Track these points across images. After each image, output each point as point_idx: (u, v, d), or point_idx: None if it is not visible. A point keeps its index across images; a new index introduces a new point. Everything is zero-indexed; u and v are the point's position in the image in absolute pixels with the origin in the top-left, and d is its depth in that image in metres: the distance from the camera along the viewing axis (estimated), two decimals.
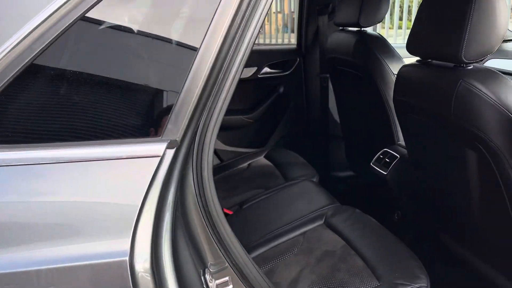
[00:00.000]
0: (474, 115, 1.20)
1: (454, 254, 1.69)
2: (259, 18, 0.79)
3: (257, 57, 2.49)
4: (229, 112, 2.52)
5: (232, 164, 2.37)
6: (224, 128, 2.52)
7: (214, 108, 0.78)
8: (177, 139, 0.71)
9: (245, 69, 2.46)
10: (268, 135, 2.63)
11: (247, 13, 0.78)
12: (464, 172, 1.37)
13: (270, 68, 2.52)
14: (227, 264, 0.85)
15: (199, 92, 0.74)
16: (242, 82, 2.58)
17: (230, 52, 0.78)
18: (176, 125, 0.71)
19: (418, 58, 1.46)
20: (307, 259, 1.47)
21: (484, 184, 1.33)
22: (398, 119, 1.63)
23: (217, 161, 2.53)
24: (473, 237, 1.53)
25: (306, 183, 1.96)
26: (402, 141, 1.93)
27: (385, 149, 1.93)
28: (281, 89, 2.54)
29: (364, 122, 2.20)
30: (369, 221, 1.58)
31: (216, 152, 2.53)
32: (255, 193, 2.00)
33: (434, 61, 1.39)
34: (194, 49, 0.75)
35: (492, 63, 2.45)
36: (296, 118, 2.62)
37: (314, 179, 2.03)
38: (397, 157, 1.85)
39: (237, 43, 0.78)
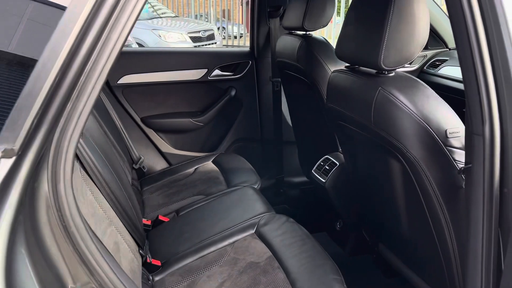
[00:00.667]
0: (391, 125, 1.16)
1: (390, 264, 1.65)
2: (128, 19, 0.73)
3: (207, 58, 2.44)
4: (178, 115, 2.49)
5: (179, 168, 2.31)
6: (173, 131, 2.46)
7: (73, 114, 0.71)
8: (13, 148, 0.64)
9: (194, 71, 2.43)
10: (219, 140, 2.57)
11: (115, 11, 0.72)
12: (390, 182, 1.33)
13: (222, 70, 2.46)
14: (92, 285, 0.78)
15: (46, 96, 0.67)
16: (191, 85, 2.58)
17: (93, 55, 0.72)
18: (14, 132, 0.64)
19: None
20: (230, 270, 1.41)
21: (407, 195, 1.29)
22: (330, 126, 1.59)
23: (165, 165, 2.46)
24: (404, 247, 1.49)
25: (246, 189, 1.90)
26: None
27: (326, 156, 1.89)
28: (233, 92, 2.49)
29: (311, 127, 2.15)
30: (299, 230, 1.53)
31: (164, 156, 2.46)
32: (195, 200, 1.94)
33: (361, 68, 1.35)
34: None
35: (446, 71, 2.44)
36: (249, 122, 2.57)
37: (256, 186, 1.97)
38: (337, 164, 1.81)
39: (101, 46, 0.72)
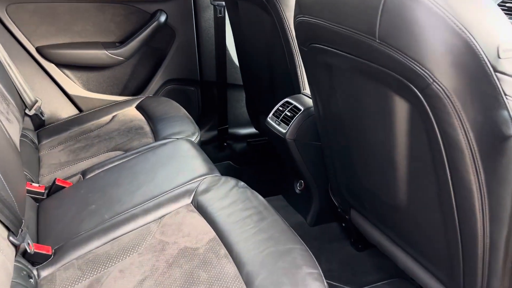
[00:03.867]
0: (410, 37, 0.73)
1: (367, 236, 1.28)
2: None
3: None
4: (89, 45, 1.86)
5: (90, 116, 1.76)
6: (83, 67, 1.87)
7: None
8: None
9: None
10: (145, 80, 2.02)
11: None
12: (389, 130, 0.91)
13: None
14: None
15: None
16: (107, 5, 1.94)
17: None
18: None
19: None
20: (154, 261, 0.95)
21: (417, 148, 0.89)
22: (300, 51, 1.12)
23: (74, 112, 1.89)
24: (394, 221, 1.11)
25: (180, 143, 1.42)
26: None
27: (286, 99, 1.44)
28: (163, 18, 1.92)
29: (265, 64, 1.68)
30: (254, 200, 1.09)
31: (72, 100, 1.88)
32: (110, 157, 1.43)
33: None
34: None
35: None
36: (184, 59, 2.04)
37: (194, 139, 1.49)
38: (301, 109, 1.36)
39: None
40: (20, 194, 1.03)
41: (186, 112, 1.71)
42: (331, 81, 1.07)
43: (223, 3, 1.85)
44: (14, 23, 1.72)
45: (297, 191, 1.60)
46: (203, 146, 1.84)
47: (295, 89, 1.49)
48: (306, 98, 1.42)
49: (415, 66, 0.73)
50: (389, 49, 0.76)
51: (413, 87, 0.77)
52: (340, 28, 0.87)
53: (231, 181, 1.16)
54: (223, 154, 2.19)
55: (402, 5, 0.72)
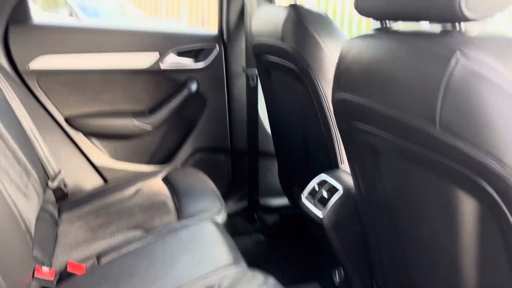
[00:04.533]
0: (480, 125, 0.59)
1: None
2: None
3: (160, 39, 1.82)
4: (117, 114, 1.80)
5: (115, 188, 1.67)
6: (110, 136, 1.82)
7: None
8: None
9: (141, 54, 1.68)
10: (173, 149, 1.94)
11: None
12: (453, 228, 0.75)
13: (179, 56, 1.85)
14: None
15: None
16: (136, 74, 1.90)
17: None
18: None
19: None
20: None
21: (486, 249, 0.71)
22: (339, 129, 1.00)
23: (99, 182, 1.82)
24: None
25: (204, 226, 1.29)
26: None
27: (322, 177, 1.29)
28: (194, 87, 1.87)
29: (299, 133, 1.57)
30: None
31: (98, 170, 1.82)
32: (126, 239, 1.31)
33: (410, 24, 0.77)
34: None
35: None
36: (214, 127, 1.96)
37: (219, 218, 1.36)
38: (339, 190, 1.21)
39: None
40: (21, 284, 0.91)
41: (214, 185, 1.59)
42: (375, 163, 0.92)
43: (256, 71, 1.79)
44: (44, 93, 1.70)
45: (336, 281, 1.41)
46: (233, 218, 1.70)
47: (332, 163, 1.35)
48: (345, 175, 1.27)
49: (489, 161, 0.58)
50: (454, 139, 0.62)
51: (487, 186, 0.61)
52: (388, 110, 0.74)
53: (259, 277, 1.00)
54: (253, 227, 2.04)
55: (468, 87, 0.59)
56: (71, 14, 7.14)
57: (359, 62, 0.82)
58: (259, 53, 1.60)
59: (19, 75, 1.65)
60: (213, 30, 1.98)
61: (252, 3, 1.75)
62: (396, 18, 0.77)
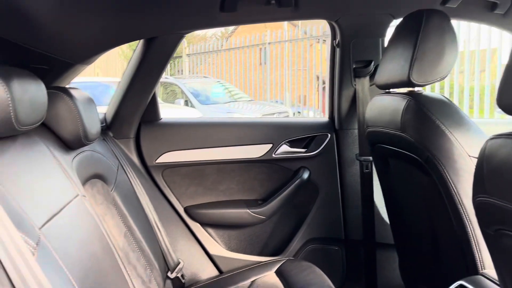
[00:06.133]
0: None
1: None
2: None
3: (272, 131, 1.87)
4: (232, 204, 1.86)
5: (230, 279, 1.66)
6: (225, 225, 1.85)
7: None
8: None
9: (255, 146, 1.80)
10: (286, 240, 1.90)
11: None
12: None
13: (291, 146, 1.87)
14: None
15: None
16: (250, 164, 1.96)
17: None
18: None
19: None
20: None
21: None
22: (483, 233, 0.87)
23: (214, 273, 1.83)
24: None
25: None
26: (490, 269, 1.13)
27: (460, 284, 1.13)
28: (306, 175, 1.86)
29: (424, 224, 1.43)
30: None
31: (213, 260, 1.83)
32: None
33: None
34: None
35: None
36: (327, 216, 1.89)
37: None
38: None
39: None
40: None
41: (329, 281, 1.49)
42: None
43: (370, 158, 1.72)
44: (167, 185, 1.82)
45: None
46: None
47: (470, 267, 1.18)
48: (489, 284, 1.09)
49: None
50: None
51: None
52: None
53: None
54: None
55: None
56: (186, 103, 7.93)
57: (504, 165, 0.72)
58: (375, 142, 1.54)
59: (147, 169, 1.80)
60: (322, 116, 1.99)
61: (364, 93, 1.74)
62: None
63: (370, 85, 1.76)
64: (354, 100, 1.82)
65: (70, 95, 1.19)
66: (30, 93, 0.92)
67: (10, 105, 0.83)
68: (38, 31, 1.06)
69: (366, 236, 1.83)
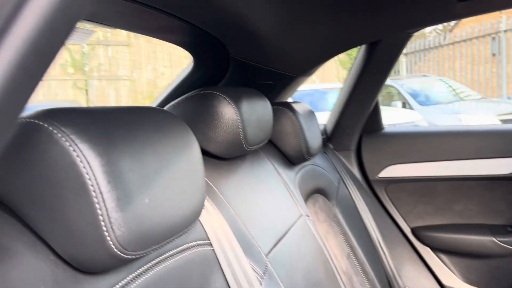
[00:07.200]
0: None
1: None
2: None
3: None
4: (472, 228, 1.55)
5: None
6: (463, 253, 1.58)
7: None
8: None
9: (501, 160, 1.43)
10: None
11: None
12: None
13: None
14: None
15: None
16: (496, 182, 1.58)
17: None
18: None
19: None
20: None
21: None
22: None
23: None
24: None
25: None
26: None
27: None
28: None
29: None
30: None
31: None
32: None
33: None
34: None
35: None
36: None
37: None
38: None
39: None
40: None
41: None
42: None
43: None
44: (391, 202, 1.65)
45: None
46: None
47: None
48: None
49: None
50: None
51: None
52: None
53: None
54: None
55: None
56: (404, 105, 7.46)
57: None
58: None
59: (369, 184, 1.67)
60: None
61: None
62: None
63: None
64: None
65: (294, 111, 1.17)
66: (258, 113, 0.91)
67: (240, 126, 0.83)
68: (265, 48, 1.07)
69: None
